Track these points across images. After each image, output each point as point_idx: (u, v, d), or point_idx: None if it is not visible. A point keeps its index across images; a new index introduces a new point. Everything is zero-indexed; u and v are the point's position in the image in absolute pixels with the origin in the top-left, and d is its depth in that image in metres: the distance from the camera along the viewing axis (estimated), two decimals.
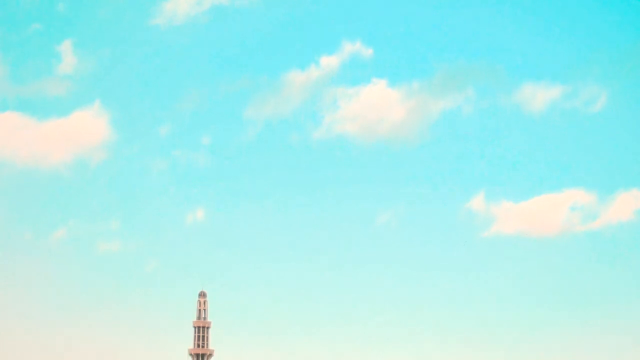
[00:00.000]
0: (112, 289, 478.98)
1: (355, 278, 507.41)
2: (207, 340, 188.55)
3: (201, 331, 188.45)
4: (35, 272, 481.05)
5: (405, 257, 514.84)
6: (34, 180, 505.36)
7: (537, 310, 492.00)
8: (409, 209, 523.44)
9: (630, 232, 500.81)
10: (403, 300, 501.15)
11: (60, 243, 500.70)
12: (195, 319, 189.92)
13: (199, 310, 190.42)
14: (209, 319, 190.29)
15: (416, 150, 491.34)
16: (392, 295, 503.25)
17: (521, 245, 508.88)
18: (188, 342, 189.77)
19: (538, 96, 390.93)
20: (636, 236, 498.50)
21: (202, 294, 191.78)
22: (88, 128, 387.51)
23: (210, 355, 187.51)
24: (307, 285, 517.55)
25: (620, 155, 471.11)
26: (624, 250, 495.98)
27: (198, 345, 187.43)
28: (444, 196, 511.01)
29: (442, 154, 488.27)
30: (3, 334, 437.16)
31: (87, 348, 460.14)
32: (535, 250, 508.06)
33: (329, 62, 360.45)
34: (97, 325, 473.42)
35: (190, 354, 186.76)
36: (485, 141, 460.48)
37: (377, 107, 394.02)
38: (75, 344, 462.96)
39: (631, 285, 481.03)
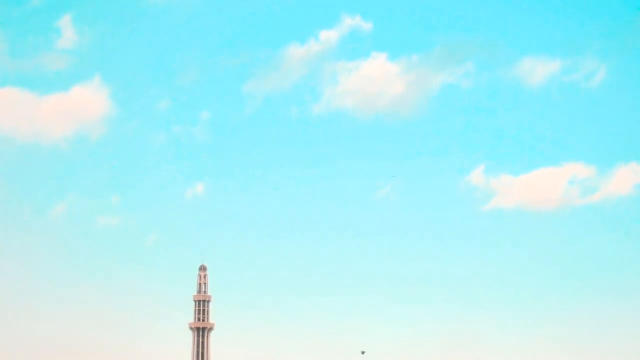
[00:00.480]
0: (112, 263, 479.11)
1: (355, 251, 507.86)
2: (207, 314, 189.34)
3: (201, 305, 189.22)
4: (35, 246, 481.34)
5: (405, 231, 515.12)
6: (33, 155, 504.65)
7: (536, 284, 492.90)
8: (409, 182, 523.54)
9: (630, 205, 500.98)
10: (402, 274, 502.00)
11: (60, 218, 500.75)
12: (195, 293, 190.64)
13: (199, 284, 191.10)
14: (209, 293, 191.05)
15: (416, 124, 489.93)
16: (391, 268, 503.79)
17: (520, 219, 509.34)
18: (188, 315, 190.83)
19: (538, 70, 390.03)
20: (635, 210, 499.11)
21: (202, 268, 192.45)
22: (88, 103, 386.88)
23: (211, 328, 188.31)
24: (306, 258, 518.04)
25: (620, 128, 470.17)
26: (623, 224, 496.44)
27: (198, 319, 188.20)
28: (444, 170, 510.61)
29: (442, 128, 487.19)
30: (3, 309, 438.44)
31: (88, 322, 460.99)
32: (535, 223, 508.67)
33: (329, 36, 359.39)
34: (97, 300, 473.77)
35: (191, 328, 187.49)
36: (485, 115, 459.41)
37: (376, 81, 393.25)
38: (76, 319, 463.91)
39: (630, 259, 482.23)
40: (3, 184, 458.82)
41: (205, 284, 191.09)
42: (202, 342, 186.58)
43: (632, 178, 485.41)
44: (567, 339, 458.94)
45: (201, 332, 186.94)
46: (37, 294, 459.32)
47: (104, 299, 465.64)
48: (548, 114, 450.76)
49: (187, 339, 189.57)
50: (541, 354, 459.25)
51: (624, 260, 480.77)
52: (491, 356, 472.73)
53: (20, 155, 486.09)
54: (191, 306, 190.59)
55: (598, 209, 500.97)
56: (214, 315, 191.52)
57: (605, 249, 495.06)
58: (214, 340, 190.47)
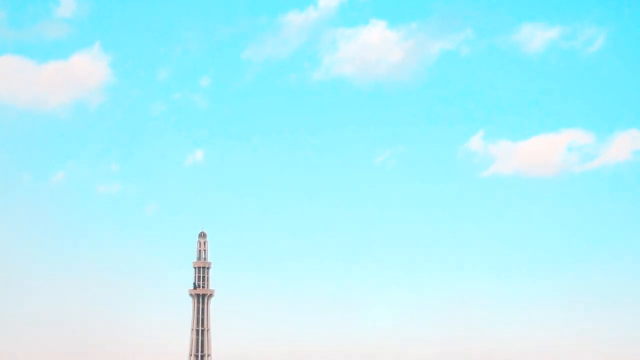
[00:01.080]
0: (112, 231, 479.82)
1: (354, 218, 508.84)
2: (207, 281, 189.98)
3: (201, 272, 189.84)
4: (34, 214, 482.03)
5: (404, 198, 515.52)
6: (33, 123, 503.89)
7: (535, 250, 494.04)
8: (407, 149, 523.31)
9: (628, 172, 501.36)
10: (400, 240, 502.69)
11: (59, 186, 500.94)
12: (195, 260, 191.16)
13: (199, 251, 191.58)
14: (209, 260, 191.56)
15: (414, 90, 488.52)
16: (389, 235, 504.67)
17: (519, 186, 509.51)
18: (188, 282, 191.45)
19: (537, 36, 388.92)
20: (634, 176, 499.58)
21: (202, 235, 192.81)
22: (87, 71, 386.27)
23: (211, 295, 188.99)
24: (306, 225, 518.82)
25: (619, 95, 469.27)
26: (622, 191, 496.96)
27: (198, 286, 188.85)
28: (442, 136, 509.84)
29: (441, 95, 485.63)
30: (3, 276, 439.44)
31: (87, 290, 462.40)
32: (533, 190, 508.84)
33: (328, 3, 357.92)
34: (97, 268, 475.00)
35: (191, 295, 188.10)
36: (484, 81, 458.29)
37: (375, 48, 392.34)
38: (75, 287, 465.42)
39: (629, 225, 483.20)
40: (2, 152, 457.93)
41: (205, 250, 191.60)
42: (202, 309, 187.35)
43: (631, 144, 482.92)
44: (566, 304, 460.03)
45: (201, 298, 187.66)
46: (36, 261, 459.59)
47: (103, 267, 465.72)
48: (547, 80, 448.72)
49: (187, 305, 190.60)
50: (540, 319, 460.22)
51: (622, 226, 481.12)
52: (489, 321, 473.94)
53: (19, 123, 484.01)
54: (191, 273, 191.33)
55: (597, 176, 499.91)
56: (214, 282, 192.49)
57: (604, 215, 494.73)
58: (214, 306, 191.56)
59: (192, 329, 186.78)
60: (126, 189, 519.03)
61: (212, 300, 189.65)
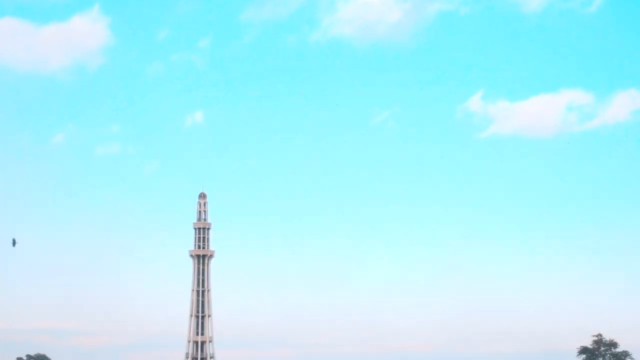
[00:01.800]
0: (112, 192, 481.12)
1: (353, 179, 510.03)
2: (207, 242, 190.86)
3: (201, 232, 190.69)
4: (35, 175, 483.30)
5: (402, 158, 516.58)
6: (33, 85, 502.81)
7: (533, 210, 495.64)
8: (405, 110, 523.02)
9: (627, 131, 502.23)
10: (399, 199, 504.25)
11: (59, 147, 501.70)
12: (195, 221, 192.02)
13: (199, 211, 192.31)
14: (209, 220, 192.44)
15: (413, 51, 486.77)
16: (388, 194, 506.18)
17: (518, 146, 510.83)
18: (189, 243, 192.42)
19: None
20: (632, 136, 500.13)
21: (202, 196, 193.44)
22: (87, 33, 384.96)
23: (211, 256, 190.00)
24: (305, 184, 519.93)
25: (618, 55, 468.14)
26: (621, 150, 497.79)
27: (199, 247, 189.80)
28: (441, 97, 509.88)
29: (439, 55, 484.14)
30: (4, 237, 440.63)
31: (88, 250, 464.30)
32: (532, 150, 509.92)
33: None
34: (97, 229, 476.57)
35: (191, 255, 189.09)
36: (482, 42, 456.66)
37: (374, 8, 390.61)
38: (76, 246, 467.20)
39: (627, 184, 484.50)
40: (2, 114, 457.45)
41: (205, 211, 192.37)
42: (203, 270, 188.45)
43: (630, 104, 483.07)
44: (565, 263, 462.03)
45: (201, 259, 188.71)
46: (36, 222, 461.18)
47: (103, 227, 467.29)
48: (546, 40, 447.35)
49: (188, 266, 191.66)
50: (538, 277, 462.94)
51: (621, 185, 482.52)
52: (486, 279, 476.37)
53: (19, 85, 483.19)
54: (191, 234, 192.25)
55: (596, 136, 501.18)
56: (214, 242, 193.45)
57: (603, 175, 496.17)
58: (214, 267, 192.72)
59: (193, 290, 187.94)
60: (126, 149, 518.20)
61: (213, 261, 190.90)
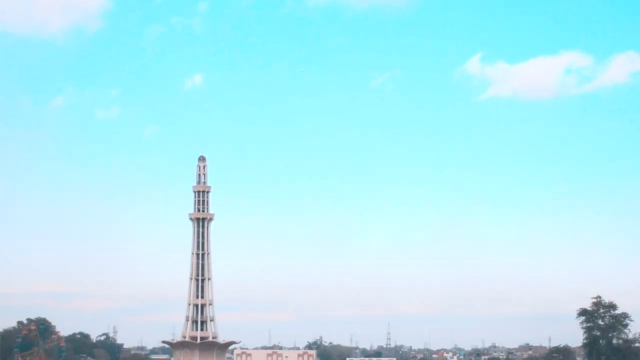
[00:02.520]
0: (111, 155, 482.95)
1: (352, 141, 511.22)
2: (207, 204, 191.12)
3: (201, 195, 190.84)
4: (34, 139, 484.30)
5: (401, 120, 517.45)
6: (32, 48, 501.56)
7: (531, 172, 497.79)
8: (404, 72, 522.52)
9: (626, 94, 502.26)
10: (397, 161, 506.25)
11: (58, 110, 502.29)
12: (195, 184, 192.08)
13: (199, 174, 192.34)
14: (208, 184, 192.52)
15: (412, 14, 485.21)
16: (387, 157, 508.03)
17: (516, 108, 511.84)
18: (188, 206, 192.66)
19: None
20: (631, 98, 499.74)
21: (202, 159, 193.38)
22: None
23: (211, 219, 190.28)
24: (304, 147, 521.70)
25: (617, 17, 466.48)
26: (619, 112, 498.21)
27: (198, 210, 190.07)
28: (440, 58, 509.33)
29: (438, 18, 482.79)
30: (5, 197, 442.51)
31: (88, 214, 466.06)
32: (530, 113, 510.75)
33: None
34: (97, 192, 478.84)
35: (191, 218, 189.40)
36: (481, 4, 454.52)
37: None
38: (75, 210, 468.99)
39: (626, 147, 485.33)
40: (1, 77, 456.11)
41: (204, 174, 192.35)
42: (202, 233, 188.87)
43: (628, 66, 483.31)
44: (564, 225, 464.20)
45: (201, 222, 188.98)
46: (36, 185, 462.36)
47: (103, 191, 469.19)
48: (545, 2, 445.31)
49: (188, 229, 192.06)
50: (537, 240, 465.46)
51: (619, 148, 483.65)
52: (485, 241, 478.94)
53: (18, 49, 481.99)
54: (191, 197, 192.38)
55: (594, 98, 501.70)
56: (214, 205, 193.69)
57: (601, 137, 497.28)
58: (214, 230, 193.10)
59: (193, 253, 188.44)
60: (125, 113, 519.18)
61: (212, 224, 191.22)
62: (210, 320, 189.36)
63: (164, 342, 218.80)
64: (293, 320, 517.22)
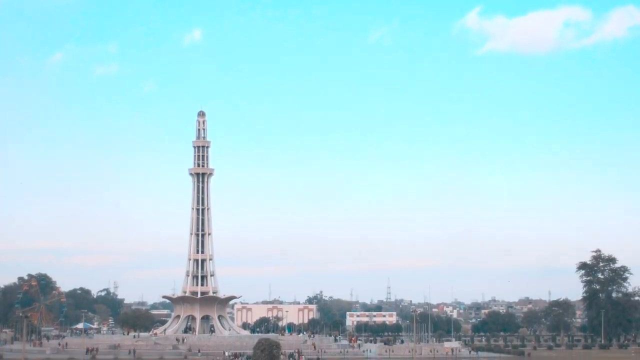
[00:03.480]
0: (110, 111, 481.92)
1: (350, 94, 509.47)
2: (207, 160, 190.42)
3: (201, 150, 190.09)
4: (33, 94, 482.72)
5: (399, 75, 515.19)
6: (31, 5, 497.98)
7: (530, 126, 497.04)
8: (402, 26, 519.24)
9: (624, 48, 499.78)
10: (396, 115, 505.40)
11: (57, 67, 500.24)
12: (194, 139, 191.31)
13: (199, 130, 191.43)
14: (208, 139, 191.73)
15: None
16: (385, 111, 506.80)
17: (514, 63, 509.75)
18: (188, 161, 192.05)
19: None
20: (630, 53, 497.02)
21: (201, 114, 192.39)
22: None
23: (211, 174, 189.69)
24: (303, 101, 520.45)
25: None
26: (618, 67, 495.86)
27: (198, 165, 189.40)
28: (438, 12, 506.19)
29: None
30: (4, 157, 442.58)
31: (88, 170, 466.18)
32: (529, 67, 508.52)
33: None
34: (97, 148, 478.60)
35: (191, 173, 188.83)
36: None
37: None
38: (75, 166, 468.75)
39: (623, 101, 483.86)
40: (1, 33, 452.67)
41: (204, 129, 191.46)
42: (202, 188, 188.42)
43: (627, 21, 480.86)
44: (563, 179, 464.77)
45: (201, 177, 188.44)
46: (36, 140, 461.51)
47: (103, 146, 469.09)
48: None
49: (188, 184, 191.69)
50: (536, 194, 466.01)
51: (618, 101, 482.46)
52: (483, 196, 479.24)
53: (16, 5, 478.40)
54: (191, 152, 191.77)
55: (593, 52, 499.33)
56: (214, 160, 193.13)
57: (600, 91, 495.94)
58: (214, 185, 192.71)
59: (193, 208, 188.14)
60: (124, 69, 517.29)
61: (212, 179, 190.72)
62: (211, 275, 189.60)
63: (164, 297, 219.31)
64: (293, 275, 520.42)
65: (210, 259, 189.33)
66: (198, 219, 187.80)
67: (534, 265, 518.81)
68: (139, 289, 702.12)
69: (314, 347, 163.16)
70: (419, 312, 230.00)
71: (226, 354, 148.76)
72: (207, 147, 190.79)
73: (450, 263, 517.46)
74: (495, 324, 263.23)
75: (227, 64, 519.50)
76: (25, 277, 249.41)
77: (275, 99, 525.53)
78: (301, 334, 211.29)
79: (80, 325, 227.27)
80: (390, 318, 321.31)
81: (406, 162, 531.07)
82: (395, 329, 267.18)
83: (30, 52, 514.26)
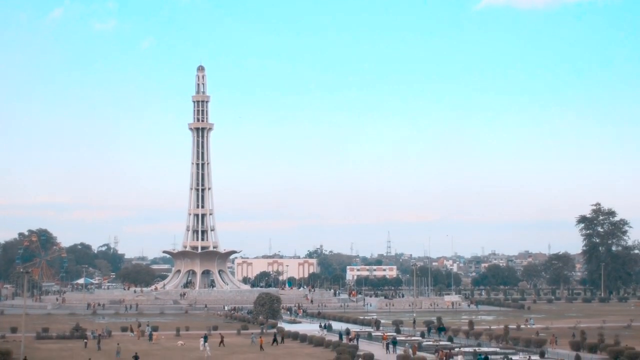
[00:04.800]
0: (109, 67, 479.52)
1: (349, 51, 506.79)
2: (206, 115, 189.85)
3: (200, 105, 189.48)
4: (32, 51, 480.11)
5: (397, 30, 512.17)
6: None
7: (529, 81, 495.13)
8: None
9: (623, 3, 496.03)
10: (395, 71, 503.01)
11: (56, 23, 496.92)
12: (194, 94, 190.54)
13: (198, 84, 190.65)
14: (207, 93, 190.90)
15: None
16: (384, 69, 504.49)
17: (512, 17, 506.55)
18: (188, 116, 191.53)
19: None
20: (627, 7, 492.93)
21: (200, 69, 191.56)
22: None
23: (210, 128, 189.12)
24: (302, 57, 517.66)
25: None
26: (616, 21, 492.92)
27: (198, 120, 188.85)
28: None
29: None
30: (5, 106, 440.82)
31: (87, 125, 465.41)
32: (526, 22, 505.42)
33: None
34: (96, 103, 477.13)
35: (190, 128, 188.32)
36: None
37: None
38: (74, 122, 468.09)
39: (622, 56, 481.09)
40: None
41: (203, 84, 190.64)
42: (202, 142, 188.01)
43: None
44: (562, 133, 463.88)
45: (201, 132, 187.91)
46: (35, 96, 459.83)
47: (102, 102, 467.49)
48: None
49: (187, 139, 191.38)
50: (535, 148, 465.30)
51: (617, 56, 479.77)
52: (483, 150, 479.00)
53: None
54: (190, 107, 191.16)
55: (590, 7, 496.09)
56: (213, 115, 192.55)
57: (598, 45, 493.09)
58: (213, 140, 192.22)
59: (193, 163, 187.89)
60: (122, 25, 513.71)
61: (212, 134, 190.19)
62: (211, 230, 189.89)
63: (165, 252, 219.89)
64: (293, 229, 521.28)
65: (211, 214, 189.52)
66: (198, 173, 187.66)
67: (533, 218, 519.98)
68: (140, 244, 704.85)
69: (311, 302, 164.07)
70: (419, 265, 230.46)
71: (226, 308, 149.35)
72: (207, 101, 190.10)
73: (450, 217, 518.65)
74: (495, 278, 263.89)
75: (226, 18, 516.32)
76: (26, 233, 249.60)
77: (275, 53, 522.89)
78: (301, 288, 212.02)
79: (81, 281, 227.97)
80: (391, 272, 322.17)
81: (406, 116, 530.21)
82: (396, 282, 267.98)
83: (30, 8, 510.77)
